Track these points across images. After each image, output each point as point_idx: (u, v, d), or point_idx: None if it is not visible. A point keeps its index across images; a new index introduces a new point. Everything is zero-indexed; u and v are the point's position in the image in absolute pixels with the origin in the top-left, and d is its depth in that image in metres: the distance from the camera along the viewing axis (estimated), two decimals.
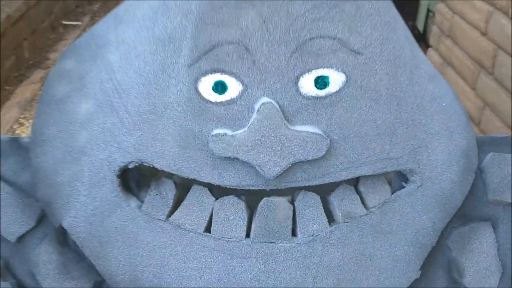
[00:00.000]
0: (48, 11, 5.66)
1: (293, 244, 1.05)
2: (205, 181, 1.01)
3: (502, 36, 2.77)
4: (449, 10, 3.52)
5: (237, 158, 0.97)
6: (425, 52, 4.18)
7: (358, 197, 1.07)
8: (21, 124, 3.40)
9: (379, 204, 1.07)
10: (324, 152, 0.97)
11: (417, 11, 4.87)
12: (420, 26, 4.80)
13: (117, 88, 1.03)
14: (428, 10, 4.34)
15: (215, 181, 1.01)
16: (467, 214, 1.16)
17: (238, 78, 0.97)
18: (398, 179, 1.11)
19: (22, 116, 3.50)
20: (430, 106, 1.07)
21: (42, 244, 1.12)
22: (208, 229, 1.06)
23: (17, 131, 3.30)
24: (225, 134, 0.97)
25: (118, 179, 1.04)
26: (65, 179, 1.06)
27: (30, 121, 3.33)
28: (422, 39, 4.36)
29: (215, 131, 0.98)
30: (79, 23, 5.83)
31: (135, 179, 1.11)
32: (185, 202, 1.06)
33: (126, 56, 1.03)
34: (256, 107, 0.96)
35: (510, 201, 1.14)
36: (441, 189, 1.08)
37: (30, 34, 4.97)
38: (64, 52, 1.14)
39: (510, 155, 1.13)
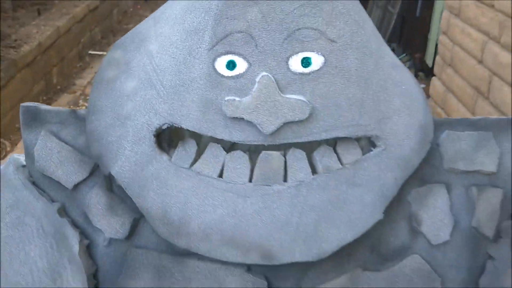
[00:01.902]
0: (76, 41, 5.87)
1: (284, 187, 1.25)
2: (219, 137, 1.22)
3: (496, 63, 2.99)
4: (450, 40, 3.72)
5: (243, 118, 1.18)
6: (429, 81, 4.34)
7: (335, 155, 1.27)
8: None
9: (352, 162, 1.26)
10: (307, 115, 1.19)
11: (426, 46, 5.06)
12: (429, 60, 4.99)
13: (155, 69, 1.30)
14: (437, 45, 4.41)
15: (227, 137, 1.22)
16: (426, 179, 1.34)
17: (244, 58, 1.19)
18: (368, 147, 1.29)
19: None
20: (392, 88, 1.31)
21: (93, 189, 1.35)
22: (221, 175, 1.26)
23: None
24: (234, 100, 1.19)
25: (154, 138, 1.26)
26: (113, 139, 1.29)
27: None
28: (431, 73, 4.42)
29: (227, 98, 1.19)
30: (104, 53, 5.99)
31: (167, 141, 1.31)
32: (203, 155, 1.27)
33: (162, 45, 1.31)
34: (257, 79, 1.18)
35: (462, 169, 1.34)
36: (402, 153, 1.26)
37: (59, 61, 5.13)
38: (113, 46, 1.42)
39: (462, 133, 1.33)
